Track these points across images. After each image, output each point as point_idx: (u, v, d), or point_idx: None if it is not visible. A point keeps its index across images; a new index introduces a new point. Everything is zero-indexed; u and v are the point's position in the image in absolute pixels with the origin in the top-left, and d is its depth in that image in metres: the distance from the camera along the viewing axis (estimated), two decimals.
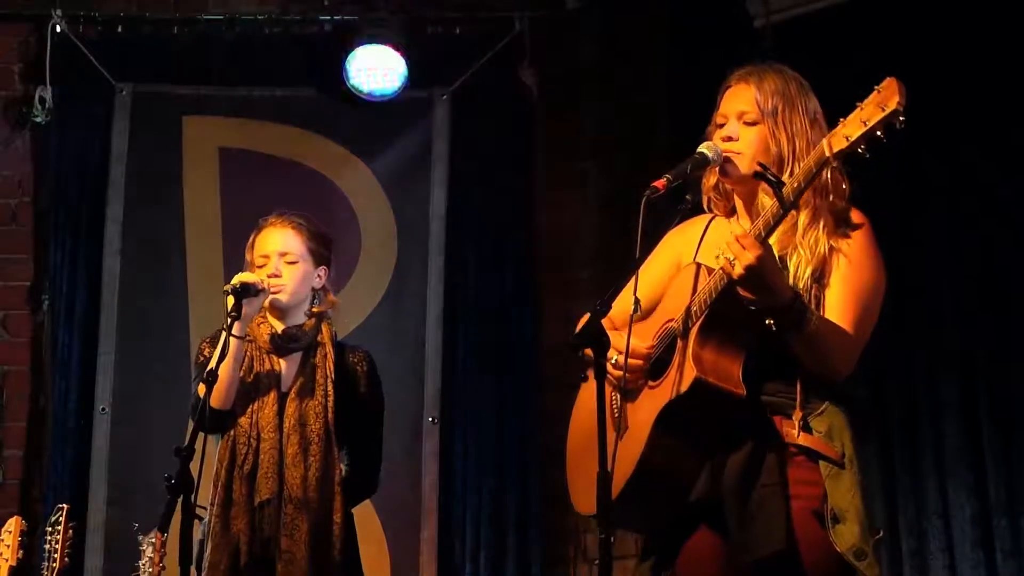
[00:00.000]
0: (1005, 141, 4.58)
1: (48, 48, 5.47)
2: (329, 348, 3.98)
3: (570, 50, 5.72)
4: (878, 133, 2.68)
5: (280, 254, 3.96)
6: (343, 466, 3.92)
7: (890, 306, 3.03)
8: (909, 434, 4.64)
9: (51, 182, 5.53)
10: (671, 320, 2.96)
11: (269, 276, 3.89)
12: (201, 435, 3.45)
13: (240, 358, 3.83)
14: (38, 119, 5.46)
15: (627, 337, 2.90)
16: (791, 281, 2.87)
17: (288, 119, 5.65)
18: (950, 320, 4.64)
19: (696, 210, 3.16)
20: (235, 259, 4.20)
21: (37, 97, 5.44)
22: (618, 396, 2.97)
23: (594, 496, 2.73)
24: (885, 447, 4.65)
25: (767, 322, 2.81)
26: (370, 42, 5.46)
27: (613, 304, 2.86)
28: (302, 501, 3.80)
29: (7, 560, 3.74)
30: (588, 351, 2.80)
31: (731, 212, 3.12)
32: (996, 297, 4.57)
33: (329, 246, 4.07)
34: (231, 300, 3.75)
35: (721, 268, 2.81)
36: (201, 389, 3.69)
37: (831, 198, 2.92)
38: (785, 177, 2.89)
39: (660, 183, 2.91)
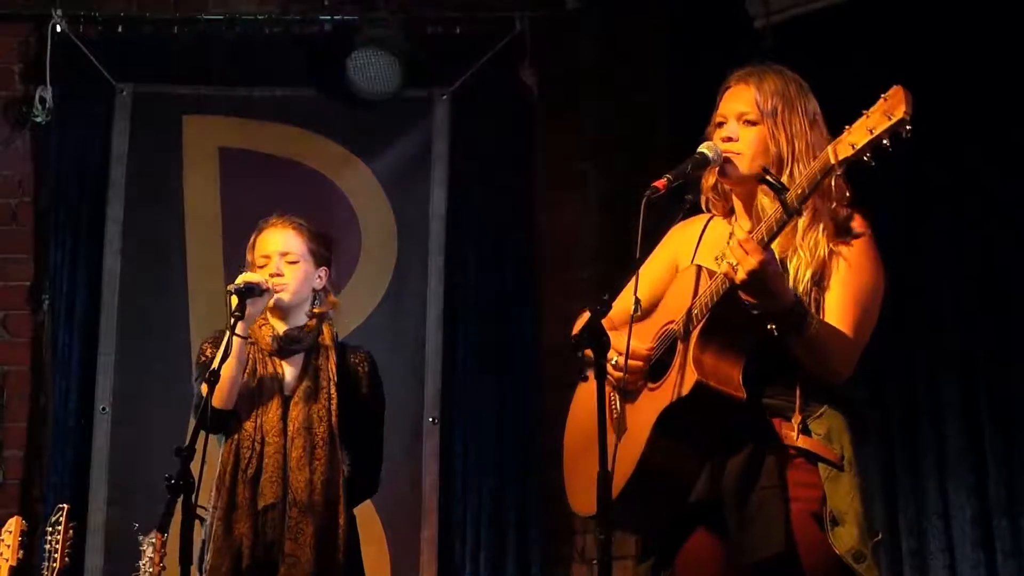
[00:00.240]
0: (1006, 142, 4.57)
1: (48, 48, 5.47)
2: (331, 350, 3.98)
3: (570, 50, 5.72)
4: (884, 142, 2.67)
5: (281, 254, 3.96)
6: (345, 467, 3.93)
7: (891, 307, 3.03)
8: (909, 434, 4.64)
9: (51, 182, 5.53)
10: (671, 322, 2.96)
11: (271, 275, 3.90)
12: (202, 435, 3.44)
13: (243, 358, 3.83)
14: (38, 119, 5.46)
15: (627, 338, 2.90)
16: (791, 283, 2.87)
17: (288, 119, 5.65)
18: (951, 321, 4.64)
19: (695, 210, 3.17)
20: (235, 259, 4.20)
21: (37, 97, 5.44)
22: (617, 397, 2.97)
23: (592, 496, 2.73)
24: (886, 447, 4.65)
25: (768, 326, 2.82)
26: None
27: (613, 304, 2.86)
28: (307, 505, 3.81)
29: (7, 560, 3.75)
30: (588, 351, 2.80)
31: (729, 212, 3.12)
32: (997, 298, 4.57)
33: (329, 247, 4.08)
34: (235, 300, 3.75)
35: (724, 273, 2.81)
36: (205, 389, 3.69)
37: (833, 204, 2.92)
38: (785, 179, 2.89)
39: (660, 183, 2.91)
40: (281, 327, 3.97)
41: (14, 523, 3.81)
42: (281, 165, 5.61)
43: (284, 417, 3.89)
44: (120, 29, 5.59)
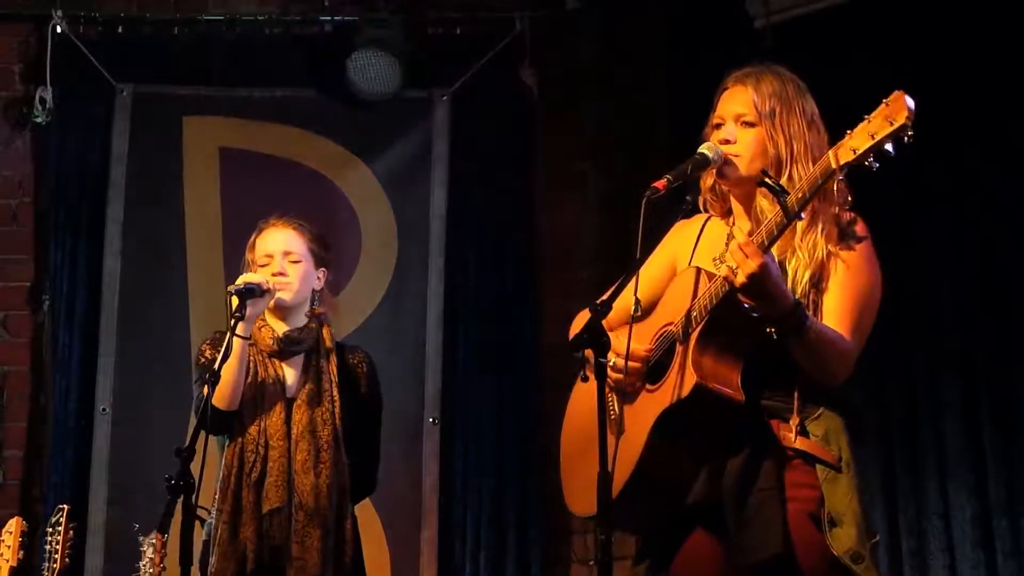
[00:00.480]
0: (1006, 142, 4.58)
1: (48, 48, 5.46)
2: (332, 352, 3.98)
3: (570, 50, 5.72)
4: (886, 147, 2.67)
5: (284, 253, 3.96)
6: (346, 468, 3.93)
7: (891, 307, 3.04)
8: (910, 434, 4.64)
9: (51, 182, 5.53)
10: (670, 324, 2.96)
11: (274, 274, 3.90)
12: (202, 435, 3.44)
13: (244, 358, 3.83)
14: (38, 119, 5.46)
15: (627, 340, 2.90)
16: (789, 284, 2.87)
17: (288, 119, 5.65)
18: (951, 321, 4.64)
19: (695, 210, 3.16)
20: (235, 259, 4.20)
21: (37, 97, 5.44)
22: (615, 398, 2.97)
23: (590, 497, 2.73)
24: (886, 447, 4.65)
25: (767, 329, 2.82)
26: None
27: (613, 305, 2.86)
28: (314, 509, 3.81)
29: (8, 561, 3.75)
30: (588, 352, 2.80)
31: (727, 213, 3.12)
32: (997, 298, 4.57)
33: (328, 249, 4.08)
34: (235, 301, 3.75)
35: (723, 276, 2.80)
36: (206, 390, 3.68)
37: (835, 208, 2.92)
38: (784, 180, 2.89)
39: (660, 184, 2.90)
40: (281, 328, 3.97)
41: (14, 523, 3.81)
42: (281, 166, 5.61)
43: (288, 420, 3.88)
44: (120, 29, 5.59)
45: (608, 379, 2.89)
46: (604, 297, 2.85)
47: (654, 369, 2.97)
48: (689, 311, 2.90)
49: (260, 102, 5.65)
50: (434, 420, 5.45)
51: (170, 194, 5.55)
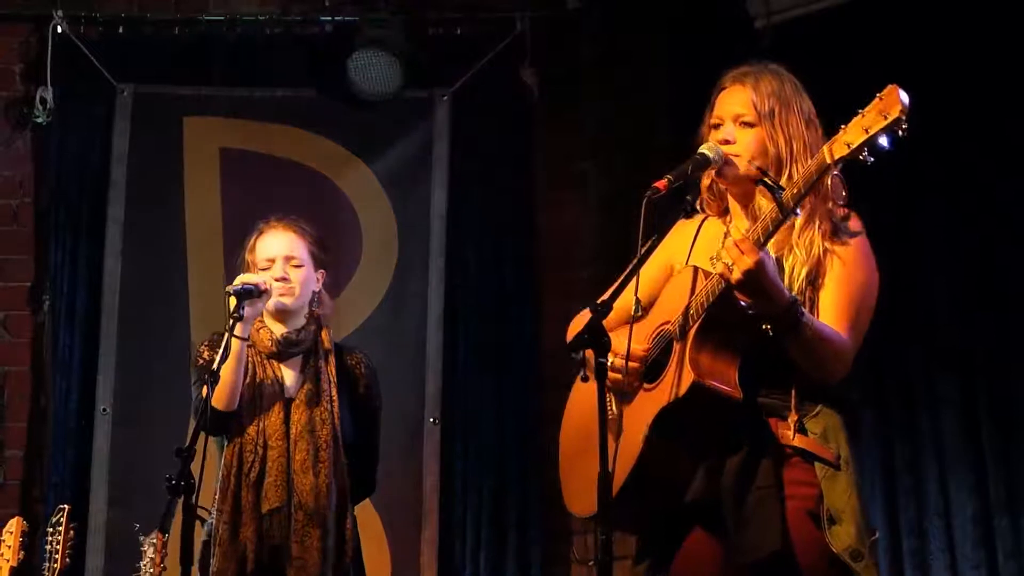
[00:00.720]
0: (1004, 140, 4.58)
1: (49, 49, 5.47)
2: (331, 353, 3.98)
3: (570, 50, 5.72)
4: (880, 140, 2.67)
5: (286, 258, 3.96)
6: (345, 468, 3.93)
7: (889, 304, 3.04)
8: (909, 433, 4.64)
9: (52, 182, 5.53)
10: (667, 323, 2.96)
11: (277, 280, 3.90)
12: (202, 435, 3.45)
13: (243, 359, 3.83)
14: (39, 119, 5.46)
15: (628, 340, 2.90)
16: (786, 281, 2.87)
17: (289, 120, 5.65)
18: (949, 318, 4.65)
19: (696, 210, 3.16)
20: (235, 260, 4.20)
21: (38, 98, 5.44)
22: (613, 397, 2.97)
23: (590, 497, 2.72)
24: (886, 446, 4.65)
25: (764, 326, 2.82)
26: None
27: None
28: (313, 509, 3.81)
29: (8, 561, 3.76)
30: (588, 352, 2.80)
31: (724, 212, 3.12)
32: (995, 295, 4.57)
33: (327, 250, 4.09)
34: (233, 301, 3.75)
35: (719, 273, 2.80)
36: (204, 391, 3.68)
37: (830, 204, 2.92)
38: (784, 180, 2.89)
39: (661, 184, 2.90)
40: (279, 330, 3.97)
41: (15, 524, 3.81)
42: (282, 166, 5.61)
43: (286, 420, 3.89)
44: (121, 30, 5.59)
45: (607, 380, 2.89)
46: (604, 297, 2.85)
47: (651, 368, 2.96)
48: (686, 309, 2.90)
49: (261, 102, 5.65)
50: (434, 420, 5.45)
51: (170, 194, 5.55)
